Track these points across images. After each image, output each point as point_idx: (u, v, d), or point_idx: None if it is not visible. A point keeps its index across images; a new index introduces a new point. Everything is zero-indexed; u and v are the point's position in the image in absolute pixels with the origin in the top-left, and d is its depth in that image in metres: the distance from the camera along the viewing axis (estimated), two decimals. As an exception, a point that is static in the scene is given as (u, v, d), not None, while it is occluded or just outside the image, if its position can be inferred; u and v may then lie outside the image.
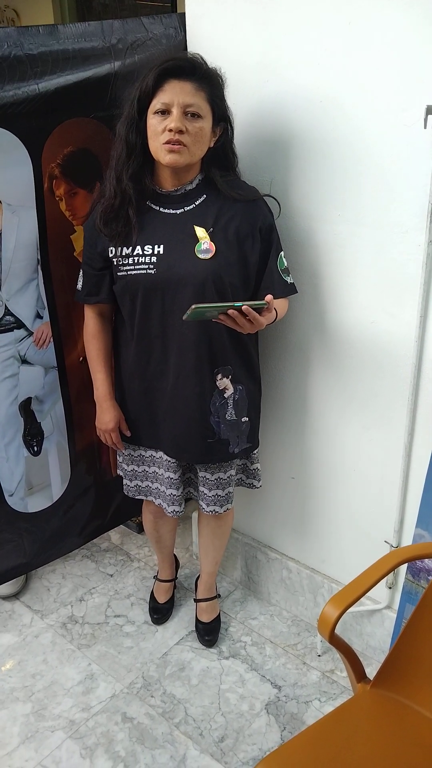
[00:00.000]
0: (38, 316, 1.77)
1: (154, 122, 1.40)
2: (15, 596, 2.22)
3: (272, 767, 1.21)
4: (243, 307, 1.32)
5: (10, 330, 1.72)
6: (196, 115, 1.39)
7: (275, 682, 1.89)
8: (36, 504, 1.99)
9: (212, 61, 1.46)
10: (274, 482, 2.02)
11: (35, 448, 1.90)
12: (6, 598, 2.22)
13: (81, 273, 1.65)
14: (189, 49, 1.68)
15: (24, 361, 1.79)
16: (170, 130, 1.37)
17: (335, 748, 1.25)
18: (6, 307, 1.69)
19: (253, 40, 1.56)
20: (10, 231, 1.60)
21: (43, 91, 1.47)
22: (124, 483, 1.87)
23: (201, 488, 1.77)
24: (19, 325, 1.74)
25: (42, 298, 1.75)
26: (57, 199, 1.66)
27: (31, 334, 1.77)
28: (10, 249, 1.62)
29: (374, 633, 1.89)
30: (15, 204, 1.59)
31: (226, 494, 1.77)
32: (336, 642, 1.30)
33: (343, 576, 1.94)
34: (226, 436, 1.66)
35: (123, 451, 1.81)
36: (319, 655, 1.97)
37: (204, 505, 1.78)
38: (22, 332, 1.75)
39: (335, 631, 1.27)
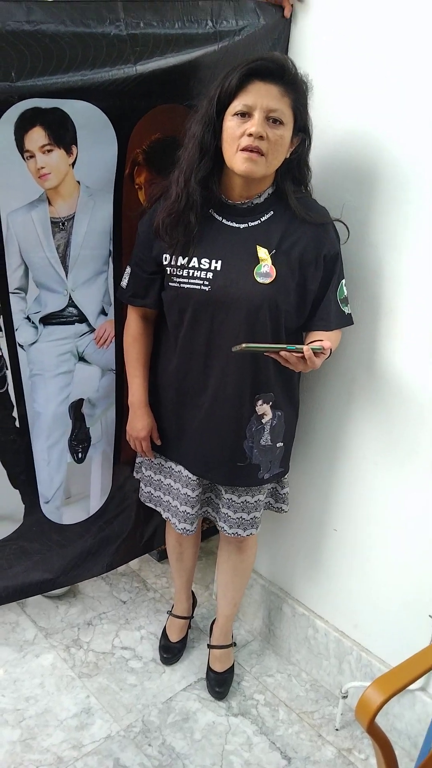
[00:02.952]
0: (103, 312, 1.66)
1: (232, 125, 1.29)
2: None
3: None
4: (305, 351, 1.24)
5: (71, 323, 1.62)
6: (278, 122, 1.28)
7: (285, 752, 1.71)
8: (71, 516, 1.86)
9: (309, 66, 1.35)
10: (311, 531, 1.86)
11: (80, 455, 1.78)
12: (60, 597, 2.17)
13: (129, 271, 1.55)
14: (291, 48, 1.57)
15: (81, 358, 1.68)
16: (250, 135, 1.26)
17: None
18: (70, 298, 1.59)
19: (363, 61, 1.45)
20: (84, 214, 1.50)
21: (140, 71, 1.37)
22: (140, 487, 1.78)
23: (224, 510, 1.64)
24: (82, 319, 1.63)
25: (109, 294, 1.65)
26: (136, 187, 1.56)
27: (92, 330, 1.67)
28: (81, 233, 1.52)
29: (402, 715, 1.70)
30: (93, 187, 1.49)
31: (252, 518, 1.64)
32: (374, 732, 1.13)
33: (376, 647, 1.76)
34: (257, 461, 1.55)
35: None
36: (336, 729, 1.78)
37: (226, 528, 1.64)
38: (83, 327, 1.65)
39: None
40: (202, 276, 1.40)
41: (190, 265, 1.40)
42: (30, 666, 1.91)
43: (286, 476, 1.68)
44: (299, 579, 1.95)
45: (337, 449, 1.73)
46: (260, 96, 1.26)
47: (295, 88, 1.29)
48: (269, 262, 1.37)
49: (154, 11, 1.37)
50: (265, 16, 1.50)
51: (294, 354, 1.26)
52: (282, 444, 1.58)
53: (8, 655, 1.94)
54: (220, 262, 1.39)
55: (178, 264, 1.42)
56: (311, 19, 1.51)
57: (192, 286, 1.41)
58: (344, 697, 1.76)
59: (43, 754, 1.65)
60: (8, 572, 1.80)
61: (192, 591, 2.02)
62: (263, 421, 1.51)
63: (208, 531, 2.31)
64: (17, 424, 1.65)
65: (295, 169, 1.40)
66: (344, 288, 1.46)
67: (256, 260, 1.37)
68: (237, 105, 1.28)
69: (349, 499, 1.74)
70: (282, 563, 1.99)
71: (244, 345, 1.20)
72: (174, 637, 1.98)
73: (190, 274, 1.41)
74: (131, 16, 1.35)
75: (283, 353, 1.26)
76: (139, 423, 1.63)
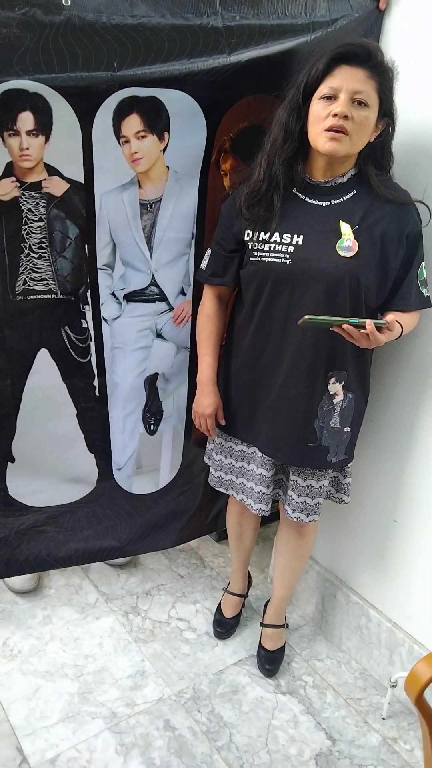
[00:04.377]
0: (182, 292, 1.75)
1: (318, 107, 1.34)
2: (26, 593, 2.13)
3: None
4: (366, 325, 1.25)
5: (152, 301, 1.72)
6: (363, 104, 1.32)
7: (330, 734, 1.75)
8: (141, 486, 1.96)
9: (400, 57, 1.38)
10: (372, 521, 1.88)
11: (152, 427, 1.88)
12: (23, 593, 2.12)
13: (209, 252, 1.61)
14: (383, 37, 1.59)
15: (159, 335, 1.77)
16: (335, 115, 1.31)
17: None
18: (153, 277, 1.68)
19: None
20: (170, 198, 1.59)
21: (233, 62, 1.44)
22: (210, 472, 1.83)
23: (290, 493, 1.68)
24: (162, 298, 1.73)
25: (189, 275, 1.73)
26: (221, 173, 1.64)
27: (171, 309, 1.75)
28: (167, 216, 1.61)
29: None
30: (181, 172, 1.58)
31: (315, 504, 1.67)
32: (422, 706, 1.16)
33: (429, 640, 1.76)
34: (326, 443, 1.58)
35: (215, 440, 1.76)
36: (383, 718, 1.80)
37: (289, 511, 1.68)
38: (163, 305, 1.74)
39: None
40: (283, 250, 1.44)
41: (272, 240, 1.45)
42: (90, 627, 2.01)
43: (349, 465, 1.71)
44: (355, 568, 1.98)
45: (403, 440, 1.75)
46: (346, 79, 1.31)
47: (381, 73, 1.34)
48: (351, 236, 1.40)
49: (250, 4, 1.44)
50: (359, 7, 1.54)
51: (357, 328, 1.28)
52: (349, 429, 1.60)
53: (71, 615, 2.05)
54: (302, 236, 1.43)
55: (260, 239, 1.47)
56: (404, 10, 1.54)
57: (273, 260, 1.45)
58: (393, 686, 1.77)
59: (99, 708, 1.75)
60: (79, 534, 1.91)
61: (248, 571, 2.08)
62: (334, 401, 1.54)
63: (267, 517, 2.35)
64: (97, 392, 1.75)
65: (378, 153, 1.44)
66: (424, 270, 1.48)
67: (339, 235, 1.40)
68: (323, 89, 1.33)
69: (411, 491, 1.75)
70: (339, 551, 2.02)
71: (307, 317, 1.22)
72: (228, 613, 2.04)
73: (272, 248, 1.45)
74: (228, 9, 1.43)
75: (346, 326, 1.27)
76: (206, 400, 1.69)
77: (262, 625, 1.97)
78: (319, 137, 1.35)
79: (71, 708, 1.74)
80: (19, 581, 2.08)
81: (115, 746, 1.65)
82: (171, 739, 1.68)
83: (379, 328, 1.28)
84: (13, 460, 1.75)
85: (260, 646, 1.95)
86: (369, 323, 1.26)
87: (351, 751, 1.70)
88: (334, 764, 1.66)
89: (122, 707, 1.76)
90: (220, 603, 2.09)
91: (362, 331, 1.28)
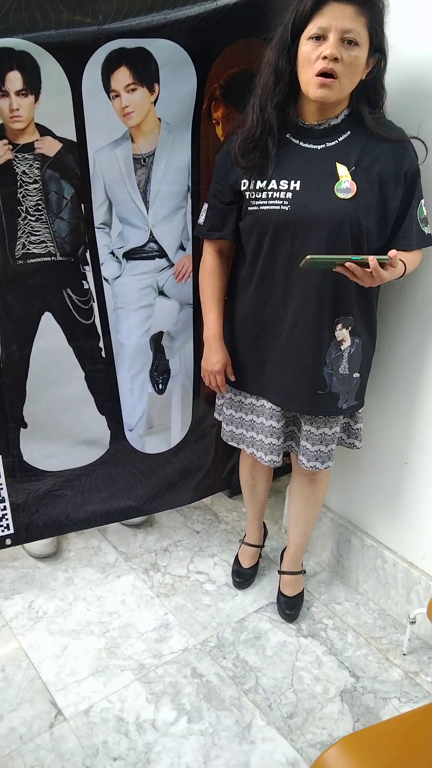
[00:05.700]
0: (181, 247, 1.74)
1: (307, 49, 1.31)
2: (47, 557, 2.17)
3: (352, 747, 1.13)
4: (369, 261, 1.25)
5: (152, 258, 1.71)
6: (353, 43, 1.29)
7: (353, 671, 1.80)
8: (153, 445, 1.98)
9: None
10: (383, 465, 1.91)
11: (160, 386, 1.89)
12: (44, 557, 2.16)
13: (205, 206, 1.60)
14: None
15: (161, 293, 1.77)
16: (324, 58, 1.28)
17: (426, 742, 1.15)
18: (151, 233, 1.67)
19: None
20: (163, 151, 1.58)
21: (220, 6, 1.42)
22: (221, 427, 1.84)
23: (303, 443, 1.69)
24: (162, 254, 1.72)
25: (188, 230, 1.72)
26: (213, 122, 1.62)
27: (171, 265, 1.75)
28: (161, 170, 1.60)
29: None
30: (173, 123, 1.56)
31: (329, 451, 1.69)
32: (444, 631, 1.20)
33: (444, 576, 1.81)
34: (336, 390, 1.59)
35: (225, 395, 1.77)
36: (404, 654, 1.85)
37: (304, 461, 1.70)
38: (163, 262, 1.73)
39: None
40: (281, 197, 1.43)
41: (269, 188, 1.44)
42: (112, 585, 2.05)
43: (360, 411, 1.72)
44: (368, 511, 2.01)
45: (411, 382, 1.76)
46: (334, 17, 1.27)
47: (371, 7, 1.30)
48: (349, 178, 1.39)
49: None
50: None
51: (360, 266, 1.27)
52: (359, 375, 1.61)
53: (92, 576, 2.09)
54: (299, 182, 1.42)
55: (257, 187, 1.46)
56: None
57: (271, 207, 1.44)
58: (412, 623, 1.82)
59: (127, 661, 1.79)
60: (96, 496, 1.94)
61: (264, 522, 2.12)
62: (342, 348, 1.55)
63: (278, 470, 2.38)
64: (103, 354, 1.77)
65: (370, 90, 1.42)
66: (423, 208, 1.47)
67: (336, 178, 1.39)
68: (312, 28, 1.29)
69: (421, 432, 1.77)
70: (351, 496, 2.05)
71: (309, 257, 1.22)
72: (246, 563, 2.08)
73: (270, 196, 1.44)
74: None
75: (348, 264, 1.27)
76: (214, 357, 1.69)
77: (280, 572, 2.02)
78: (309, 83, 1.33)
79: (100, 662, 1.79)
80: (39, 546, 2.12)
81: (146, 695, 1.70)
82: (199, 685, 1.73)
83: (382, 264, 1.28)
84: (25, 425, 1.77)
85: (279, 593, 2.00)
86: (372, 259, 1.26)
87: (374, 686, 1.76)
88: (359, 699, 1.72)
89: (149, 659, 1.81)
90: (237, 554, 2.13)
91: (365, 269, 1.29)
